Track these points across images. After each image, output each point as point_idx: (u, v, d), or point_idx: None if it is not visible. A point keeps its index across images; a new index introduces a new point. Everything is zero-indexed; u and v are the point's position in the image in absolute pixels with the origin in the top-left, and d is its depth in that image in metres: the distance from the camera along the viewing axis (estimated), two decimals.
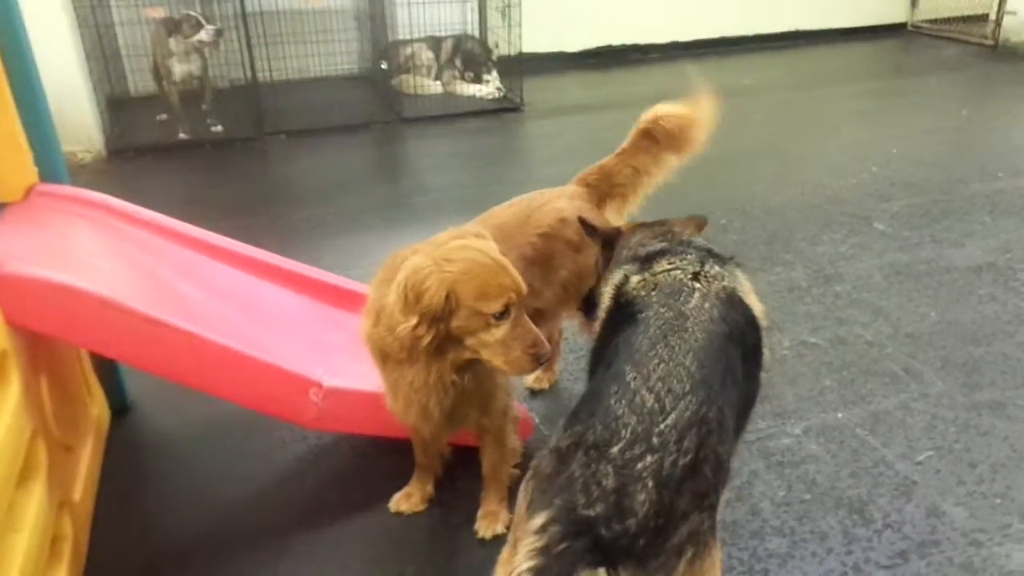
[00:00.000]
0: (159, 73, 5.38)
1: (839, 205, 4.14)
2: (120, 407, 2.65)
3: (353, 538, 2.15)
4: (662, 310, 1.47)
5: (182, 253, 2.56)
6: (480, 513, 2.16)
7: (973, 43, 7.46)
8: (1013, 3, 7.13)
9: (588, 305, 2.05)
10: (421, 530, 2.17)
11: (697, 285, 1.53)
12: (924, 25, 8.02)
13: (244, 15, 5.21)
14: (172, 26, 5.18)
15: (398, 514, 2.21)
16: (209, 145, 5.32)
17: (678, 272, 1.57)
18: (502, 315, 1.74)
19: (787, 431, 2.48)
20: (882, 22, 8.03)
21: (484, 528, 2.13)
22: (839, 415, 2.56)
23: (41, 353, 1.99)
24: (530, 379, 2.71)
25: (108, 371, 2.58)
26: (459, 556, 2.08)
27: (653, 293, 1.53)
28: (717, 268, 1.60)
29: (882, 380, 2.73)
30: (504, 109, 6.02)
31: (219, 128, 5.43)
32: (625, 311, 1.54)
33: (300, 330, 2.54)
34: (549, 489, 1.24)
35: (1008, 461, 2.34)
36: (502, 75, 6.28)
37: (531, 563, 1.16)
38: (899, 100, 6.12)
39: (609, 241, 1.91)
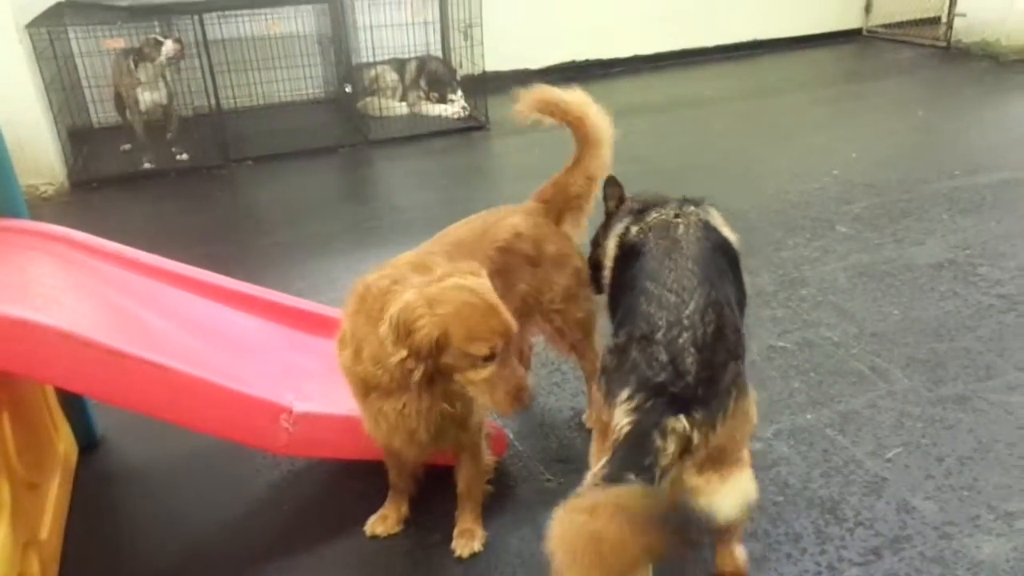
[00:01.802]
0: (122, 103, 5.34)
1: (802, 209, 4.21)
2: (89, 442, 2.61)
3: (329, 563, 2.14)
4: (660, 240, 1.85)
5: (147, 284, 2.54)
6: (456, 531, 2.16)
7: (927, 45, 7.64)
8: (963, 5, 7.31)
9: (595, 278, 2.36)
10: (398, 552, 2.16)
11: (679, 220, 1.91)
12: (878, 30, 8.20)
13: (206, 42, 5.20)
14: (136, 55, 5.15)
15: (374, 537, 2.20)
16: (175, 174, 5.28)
17: (664, 216, 1.95)
18: (488, 358, 1.77)
19: (758, 435, 2.50)
20: (838, 28, 8.20)
21: (461, 546, 2.12)
22: (808, 416, 2.59)
23: (2, 390, 1.96)
24: None
25: (75, 406, 2.55)
26: (437, 575, 2.07)
27: (650, 233, 1.90)
28: (692, 208, 1.98)
29: (849, 380, 2.77)
30: (470, 128, 6.05)
31: (185, 156, 5.40)
32: (631, 252, 1.90)
33: (269, 356, 2.53)
34: (620, 373, 1.58)
35: (974, 453, 2.39)
36: (467, 94, 6.31)
37: (629, 419, 1.51)
38: (857, 104, 6.24)
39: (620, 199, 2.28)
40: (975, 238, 3.77)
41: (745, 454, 1.67)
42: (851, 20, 8.25)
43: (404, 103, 6.40)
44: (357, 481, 2.38)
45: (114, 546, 2.24)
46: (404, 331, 1.73)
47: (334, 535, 2.22)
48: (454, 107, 6.27)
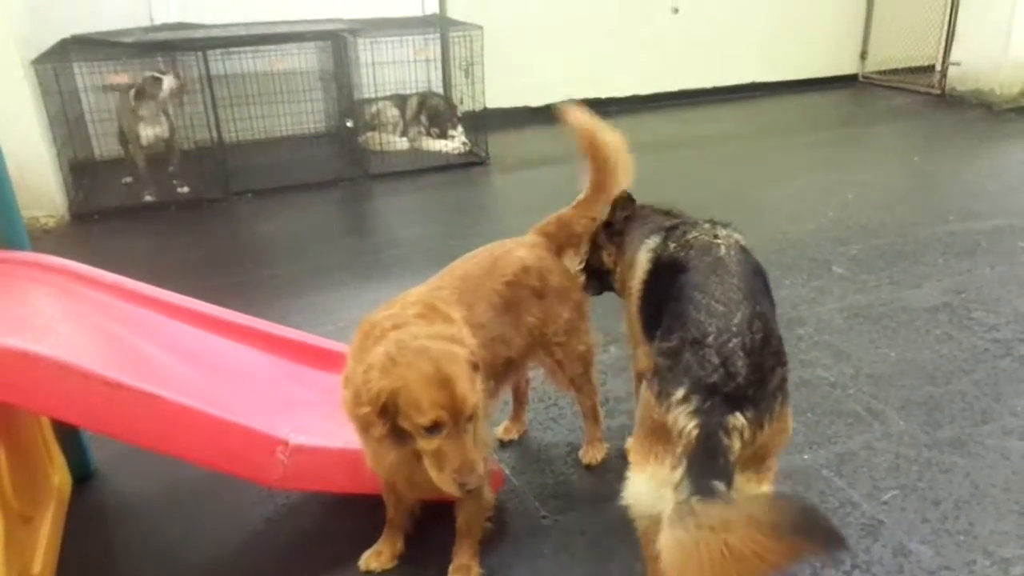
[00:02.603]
0: (125, 137, 5.40)
1: (799, 249, 4.25)
2: (84, 474, 2.59)
3: None
4: (704, 258, 1.91)
5: (146, 315, 2.55)
6: (452, 567, 2.14)
7: (921, 92, 7.77)
8: (957, 54, 7.45)
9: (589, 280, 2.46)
10: None
11: (719, 241, 1.96)
12: (874, 76, 8.35)
13: (209, 78, 5.27)
14: (138, 92, 5.21)
15: (368, 572, 2.18)
16: (175, 207, 5.32)
17: (703, 236, 2.00)
18: (432, 430, 1.76)
19: None
20: (834, 74, 8.34)
21: None
22: (805, 457, 2.59)
23: None
24: (499, 429, 2.71)
25: (70, 437, 2.53)
26: None
27: (691, 251, 1.95)
28: (725, 231, 2.04)
29: (846, 421, 2.78)
30: (470, 163, 6.12)
31: (186, 189, 5.44)
32: (670, 268, 1.96)
33: (266, 389, 2.53)
34: (674, 374, 1.64)
35: (970, 498, 2.38)
36: (467, 130, 6.39)
37: (694, 422, 1.55)
38: (853, 148, 6.33)
39: (628, 214, 2.34)
40: (970, 282, 3.80)
41: (775, 463, 1.71)
42: (847, 66, 8.40)
43: (405, 138, 6.48)
44: (352, 515, 2.36)
45: None
46: (367, 387, 1.76)
47: (328, 570, 2.20)
48: (454, 142, 6.35)
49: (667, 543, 1.44)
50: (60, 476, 2.44)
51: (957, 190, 5.24)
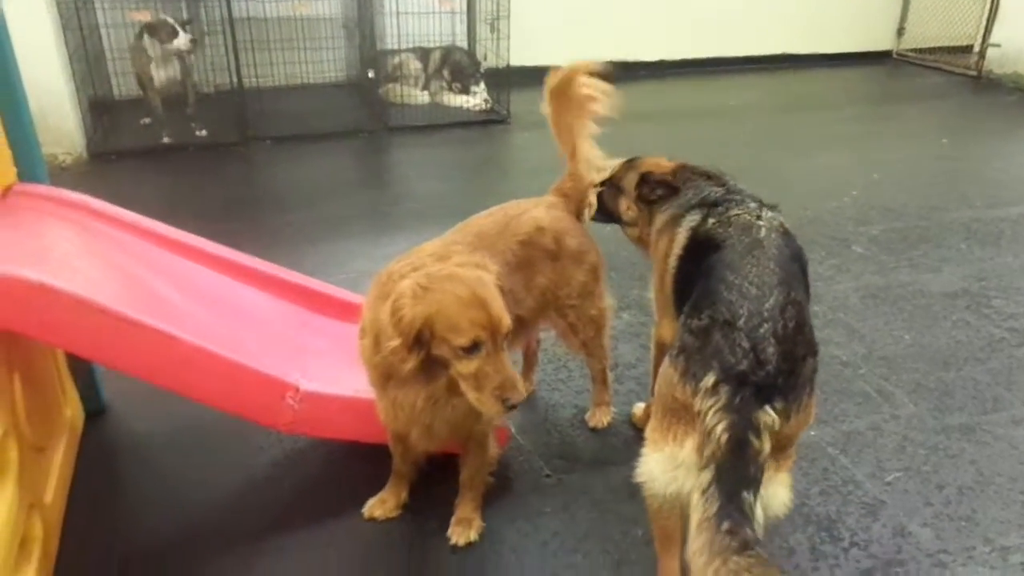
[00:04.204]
0: (142, 78, 5.37)
1: (819, 227, 4.20)
2: (95, 409, 2.63)
3: (326, 543, 2.15)
4: (742, 237, 1.86)
5: (161, 255, 2.56)
6: (454, 520, 2.17)
7: (957, 73, 7.60)
8: (998, 35, 7.27)
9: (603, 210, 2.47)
10: (394, 536, 2.17)
11: (761, 223, 1.92)
12: (909, 54, 8.17)
13: (231, 20, 5.21)
14: (150, 30, 5.16)
15: (372, 520, 2.21)
16: (193, 149, 5.31)
17: (746, 215, 1.96)
18: (471, 350, 1.76)
19: None
20: (868, 49, 8.17)
21: (458, 535, 2.13)
22: (812, 434, 2.58)
23: (14, 352, 1.98)
24: None
25: (83, 372, 2.56)
26: (431, 561, 2.09)
27: (730, 229, 1.91)
28: (770, 212, 2.00)
29: (855, 401, 2.77)
30: (490, 121, 6.06)
31: (204, 133, 5.42)
32: (707, 244, 1.92)
33: (279, 334, 2.54)
34: (702, 356, 1.60)
35: (975, 485, 2.38)
36: (489, 87, 6.32)
37: (724, 423, 1.51)
38: (882, 126, 6.22)
39: (663, 193, 2.27)
40: (991, 270, 3.75)
41: (795, 450, 1.69)
42: (882, 42, 8.22)
43: (426, 92, 6.41)
44: (358, 463, 2.39)
45: (115, 514, 2.26)
46: (396, 317, 1.74)
47: (332, 515, 2.23)
48: (476, 99, 6.28)
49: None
50: (73, 410, 2.47)
51: (985, 175, 5.15)
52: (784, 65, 7.85)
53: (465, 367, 1.77)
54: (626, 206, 2.38)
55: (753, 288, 1.68)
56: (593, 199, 2.45)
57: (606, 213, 2.46)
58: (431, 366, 1.81)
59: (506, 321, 1.79)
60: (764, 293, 1.66)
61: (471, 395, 1.80)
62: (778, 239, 1.87)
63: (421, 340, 1.76)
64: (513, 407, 1.79)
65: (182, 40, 5.14)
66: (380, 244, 3.93)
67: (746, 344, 1.57)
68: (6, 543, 1.66)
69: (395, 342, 1.75)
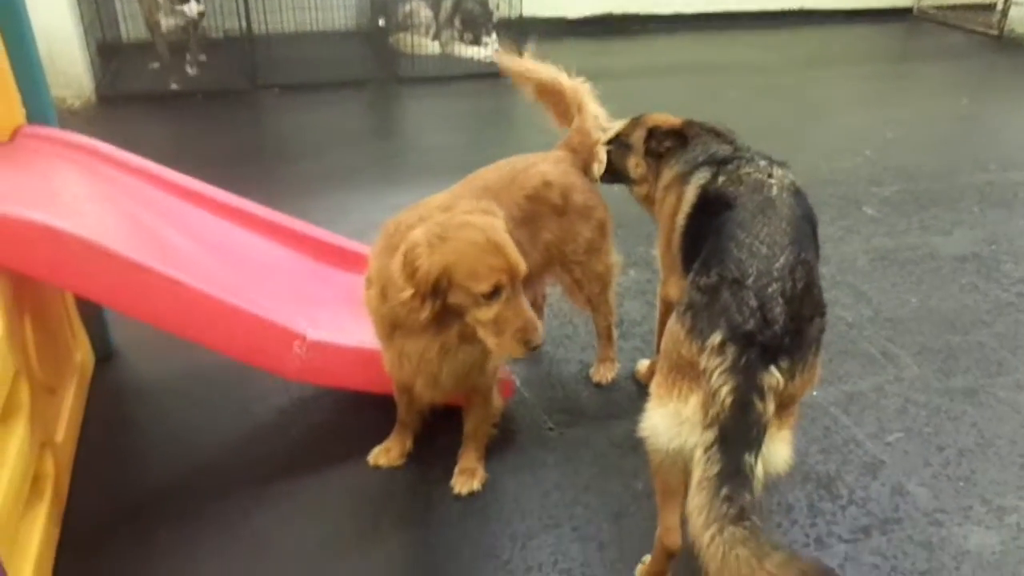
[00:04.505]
0: (150, 22, 5.30)
1: (831, 187, 4.16)
2: (104, 353, 2.66)
3: (331, 489, 2.19)
4: (754, 196, 1.86)
5: (170, 201, 2.56)
6: (457, 469, 2.20)
7: (978, 32, 7.44)
8: None
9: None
10: (398, 484, 2.21)
11: (773, 181, 1.92)
12: (930, 11, 7.99)
13: None
14: None
15: (376, 468, 2.25)
16: (201, 96, 5.26)
17: (757, 174, 1.95)
18: (492, 295, 1.76)
19: None
20: (887, 6, 7.99)
21: (461, 484, 2.17)
22: (814, 394, 2.60)
23: (25, 294, 1.99)
24: None
25: (93, 316, 2.59)
26: (434, 509, 2.13)
27: (741, 187, 1.91)
28: (781, 171, 1.99)
29: (859, 362, 2.78)
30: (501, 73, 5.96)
31: (194, 71, 5.37)
32: (717, 202, 1.92)
33: (286, 283, 2.55)
34: (709, 314, 1.59)
35: (975, 447, 2.40)
36: (501, 38, 6.21)
37: (728, 384, 1.51)
38: (899, 85, 6.11)
39: (670, 145, 2.27)
40: (1003, 234, 3.72)
41: (798, 408, 1.70)
42: None
43: (437, 42, 6.31)
44: (364, 412, 2.42)
45: (125, 456, 2.30)
46: (409, 269, 1.74)
47: (338, 462, 2.27)
48: (487, 50, 6.18)
49: (723, 555, 1.42)
50: (83, 353, 2.50)
51: (1002, 137, 5.08)
52: (801, 21, 7.68)
53: (484, 314, 1.78)
54: (634, 163, 2.36)
55: (764, 247, 1.67)
56: (603, 155, 2.43)
57: (613, 172, 2.44)
58: (444, 315, 1.82)
59: (523, 264, 1.80)
60: (774, 253, 1.66)
61: (491, 341, 1.82)
62: (790, 198, 1.87)
63: (438, 290, 1.76)
64: (535, 348, 1.82)
65: (193, 8, 5.07)
66: (387, 195, 3.92)
67: (754, 303, 1.57)
68: (19, 479, 1.70)
69: (407, 293, 1.75)
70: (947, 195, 4.12)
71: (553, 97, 2.51)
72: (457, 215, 1.81)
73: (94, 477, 2.18)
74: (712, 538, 1.44)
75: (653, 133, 2.29)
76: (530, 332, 1.79)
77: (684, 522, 1.60)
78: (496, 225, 1.82)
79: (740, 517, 1.44)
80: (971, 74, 6.49)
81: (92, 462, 2.23)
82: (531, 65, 2.52)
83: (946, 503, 2.18)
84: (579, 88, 2.47)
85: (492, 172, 2.27)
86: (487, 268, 1.74)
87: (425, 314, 1.78)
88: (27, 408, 1.81)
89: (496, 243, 1.77)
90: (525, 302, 1.82)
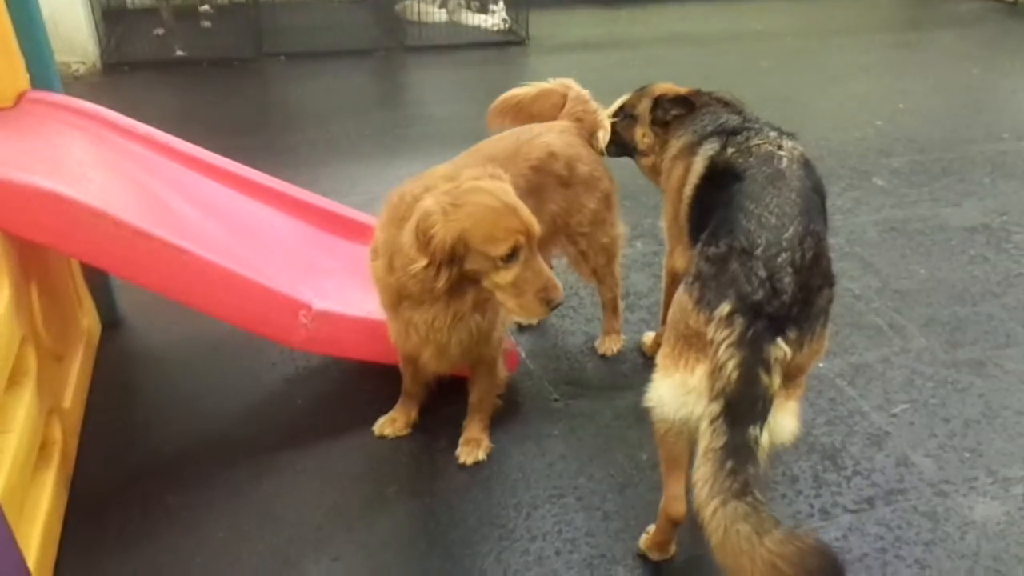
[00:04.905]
0: None
1: (841, 159, 4.12)
2: (111, 320, 2.67)
3: (337, 458, 2.20)
4: (763, 167, 1.84)
5: (176, 169, 2.55)
6: (462, 439, 2.21)
7: None
8: None
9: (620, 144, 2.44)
10: (404, 453, 2.22)
11: (783, 153, 1.90)
12: None
13: None
14: None
15: (382, 438, 2.26)
16: (206, 63, 5.22)
17: (767, 145, 1.94)
18: (510, 257, 1.76)
19: None
20: None
21: (466, 454, 2.18)
22: (820, 365, 2.59)
23: (32, 261, 2.00)
24: None
25: (99, 284, 2.59)
26: (439, 479, 2.14)
27: (751, 159, 1.89)
28: (790, 142, 1.98)
29: (866, 334, 2.77)
30: (508, 42, 5.91)
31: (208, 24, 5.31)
32: (726, 173, 1.90)
33: (292, 253, 2.54)
34: (718, 284, 1.59)
35: (981, 418, 2.39)
36: (508, 6, 6.13)
37: (734, 359, 1.51)
38: (911, 54, 6.02)
39: (678, 112, 2.26)
40: (1014, 205, 3.68)
41: (805, 379, 1.70)
42: None
43: (443, 10, 6.24)
44: (369, 382, 2.43)
45: (132, 422, 2.32)
46: (423, 238, 1.73)
47: (343, 432, 2.28)
48: (494, 18, 6.11)
49: (725, 528, 1.44)
50: (89, 320, 2.51)
51: (1016, 107, 5.01)
52: None
53: (503, 277, 1.78)
54: (641, 133, 2.34)
55: (773, 218, 1.67)
56: (607, 123, 2.41)
57: (620, 145, 2.42)
58: (459, 284, 1.81)
59: (537, 224, 1.79)
60: (783, 223, 1.65)
61: (511, 303, 1.81)
62: (799, 170, 1.85)
63: (454, 257, 1.75)
64: (557, 306, 1.83)
65: None
66: (393, 165, 3.90)
67: (763, 273, 1.57)
68: (27, 445, 1.71)
69: (420, 264, 1.74)
70: (958, 166, 4.07)
71: (539, 105, 2.53)
72: (466, 182, 1.79)
73: (102, 443, 2.20)
74: (715, 511, 1.46)
75: (659, 102, 2.27)
76: (551, 291, 1.80)
77: (689, 491, 1.61)
78: (507, 188, 1.82)
79: (743, 492, 1.45)
80: (984, 43, 6.38)
81: (99, 428, 2.25)
82: (514, 92, 2.58)
83: (951, 474, 2.18)
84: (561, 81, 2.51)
85: (497, 143, 2.25)
86: (504, 230, 1.74)
87: (441, 283, 1.77)
88: (34, 374, 1.82)
89: (510, 205, 1.76)
90: (542, 262, 1.82)
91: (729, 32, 6.41)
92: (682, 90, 2.28)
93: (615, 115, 2.42)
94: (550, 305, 1.81)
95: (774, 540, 1.40)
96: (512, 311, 1.85)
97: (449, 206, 1.74)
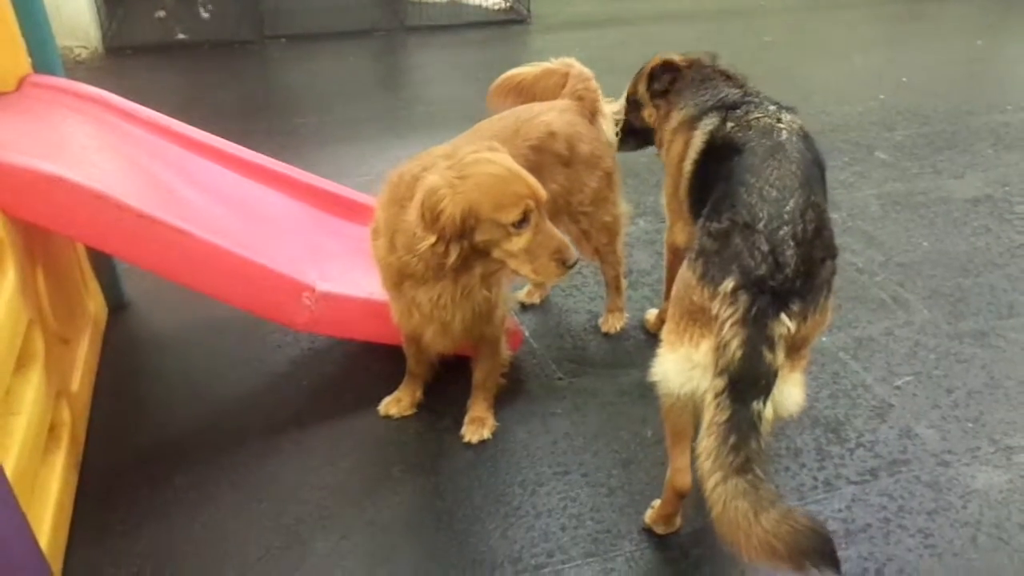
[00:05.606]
0: None
1: (843, 133, 4.10)
2: (117, 304, 2.69)
3: (342, 439, 2.22)
4: (763, 141, 1.85)
5: (179, 153, 2.55)
6: (467, 419, 2.23)
7: None
8: None
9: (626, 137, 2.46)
10: (409, 433, 2.24)
11: (782, 126, 1.90)
12: None
13: None
14: None
15: (387, 417, 2.27)
16: (208, 46, 5.21)
17: (766, 118, 1.94)
18: (521, 223, 1.76)
19: None
20: None
21: (471, 433, 2.20)
22: (824, 339, 2.59)
23: (38, 246, 2.01)
24: (522, 293, 2.74)
25: (105, 268, 2.61)
26: (444, 458, 2.16)
27: (751, 132, 1.89)
28: (790, 116, 1.98)
29: (869, 307, 2.77)
30: (510, 21, 5.87)
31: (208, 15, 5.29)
32: (726, 147, 1.90)
33: (295, 235, 2.55)
34: (721, 260, 1.60)
35: (984, 388, 2.40)
36: None
37: (738, 337, 1.52)
38: (914, 26, 5.97)
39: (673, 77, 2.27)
40: (1017, 175, 3.67)
41: (809, 352, 1.71)
42: None
43: None
44: (374, 363, 2.44)
45: (139, 405, 2.34)
46: (431, 216, 1.73)
47: (349, 412, 2.30)
48: None
49: (724, 503, 1.47)
50: (96, 304, 2.53)
51: (1018, 78, 4.97)
52: None
53: (516, 243, 1.78)
54: (648, 114, 2.34)
55: (774, 191, 1.67)
56: (606, 108, 2.41)
57: (637, 133, 2.41)
58: (468, 258, 1.82)
59: (542, 189, 1.80)
60: (784, 196, 1.65)
61: (527, 268, 1.82)
62: (799, 142, 1.85)
63: (464, 231, 1.75)
64: (572, 265, 1.84)
65: None
66: (394, 147, 3.89)
67: (765, 247, 1.57)
68: (36, 427, 1.73)
69: (429, 241, 1.75)
70: (961, 138, 4.05)
71: (541, 84, 2.51)
72: (466, 156, 1.80)
73: (110, 425, 2.23)
74: (716, 485, 1.48)
75: (652, 74, 2.27)
76: (565, 251, 1.81)
77: (694, 462, 1.62)
78: (507, 157, 1.83)
79: (744, 468, 1.48)
80: (988, 14, 6.32)
81: (107, 410, 2.27)
82: (516, 72, 2.57)
83: (954, 444, 2.19)
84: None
85: (496, 122, 2.24)
86: (513, 196, 1.75)
87: (452, 259, 1.78)
88: (42, 357, 1.84)
89: (514, 171, 1.78)
90: (552, 226, 1.83)
91: (732, 7, 6.35)
92: (674, 56, 2.28)
93: (625, 111, 2.42)
94: (566, 265, 1.81)
95: (770, 519, 1.43)
96: (528, 276, 1.86)
97: (455, 179, 1.74)
